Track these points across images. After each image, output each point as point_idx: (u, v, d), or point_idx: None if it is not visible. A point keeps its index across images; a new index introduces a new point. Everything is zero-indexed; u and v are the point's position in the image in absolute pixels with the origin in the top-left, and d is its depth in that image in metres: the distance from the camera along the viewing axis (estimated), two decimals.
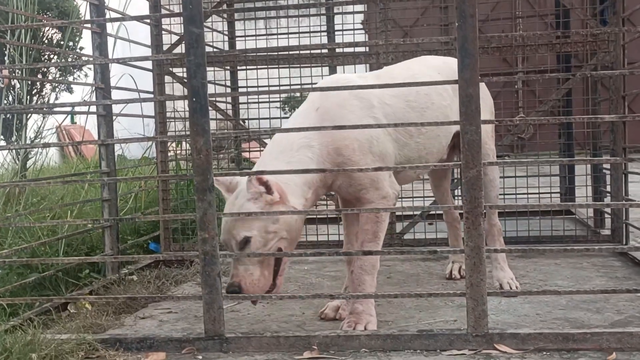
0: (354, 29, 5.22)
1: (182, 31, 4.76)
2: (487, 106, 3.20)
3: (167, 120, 4.46)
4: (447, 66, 3.11)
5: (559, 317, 2.87)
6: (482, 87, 3.04)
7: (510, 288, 3.24)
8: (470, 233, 2.43)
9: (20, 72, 4.39)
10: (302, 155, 2.68)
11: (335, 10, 5.53)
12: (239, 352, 2.56)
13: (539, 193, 4.88)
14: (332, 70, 4.74)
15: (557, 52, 4.52)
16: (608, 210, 4.43)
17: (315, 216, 5.23)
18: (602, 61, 4.07)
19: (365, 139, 2.70)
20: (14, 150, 4.89)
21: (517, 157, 6.56)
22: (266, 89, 5.11)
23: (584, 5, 4.49)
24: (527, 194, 4.81)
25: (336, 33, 5.43)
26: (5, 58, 5.70)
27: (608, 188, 4.34)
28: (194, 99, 2.53)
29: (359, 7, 5.85)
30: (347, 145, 2.69)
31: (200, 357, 2.54)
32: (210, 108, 2.67)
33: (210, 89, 2.86)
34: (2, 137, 5.24)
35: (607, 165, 4.41)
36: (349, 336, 2.54)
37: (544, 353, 2.40)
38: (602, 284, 3.41)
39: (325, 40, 5.33)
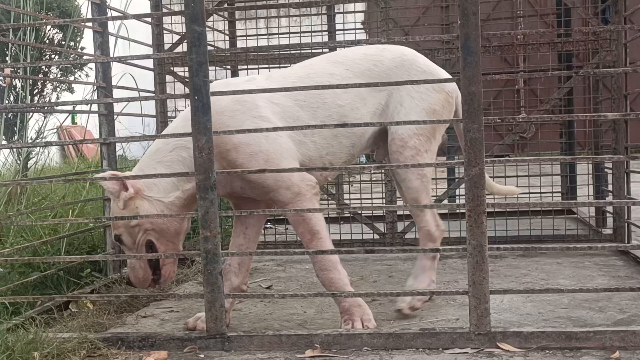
0: (355, 29, 5.22)
1: (183, 30, 4.79)
2: (422, 106, 2.91)
3: (168, 119, 4.46)
4: (361, 62, 2.92)
5: (561, 315, 2.86)
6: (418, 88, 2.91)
7: (409, 310, 2.95)
8: (473, 231, 2.43)
9: (22, 71, 4.39)
10: (176, 155, 2.75)
11: (336, 10, 5.53)
12: (241, 351, 2.56)
13: (540, 192, 4.88)
14: None
15: (558, 51, 4.52)
16: (610, 209, 4.42)
17: None
18: (603, 60, 4.07)
19: (253, 141, 2.67)
20: (15, 150, 4.89)
21: (519, 156, 6.55)
22: None
23: (586, 5, 4.48)
24: (529, 193, 4.81)
25: (337, 32, 5.43)
26: (7, 58, 5.70)
27: (609, 187, 4.33)
28: (196, 97, 2.53)
29: (360, 7, 5.85)
30: (228, 150, 2.68)
31: (202, 355, 2.53)
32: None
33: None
34: (3, 136, 5.23)
35: (609, 165, 4.41)
36: (351, 335, 2.53)
37: (547, 352, 2.39)
38: (605, 283, 3.40)
39: (326, 39, 5.33)
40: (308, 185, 2.73)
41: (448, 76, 3.01)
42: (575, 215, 5.22)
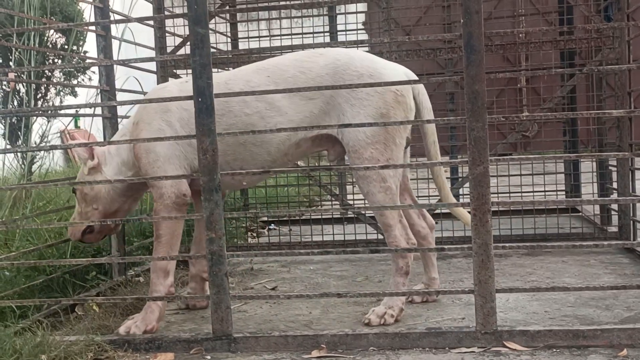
0: (357, 29, 5.22)
1: (185, 33, 4.79)
2: (367, 112, 2.78)
3: None
4: (287, 69, 2.86)
5: (568, 314, 2.86)
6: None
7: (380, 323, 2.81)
8: (478, 230, 2.43)
9: (27, 75, 4.40)
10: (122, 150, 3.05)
11: (338, 11, 5.53)
12: (247, 352, 2.56)
13: (544, 191, 4.87)
14: None
15: (561, 49, 4.51)
16: (615, 207, 4.41)
17: (320, 216, 5.24)
18: (606, 58, 4.06)
19: (153, 146, 2.88)
20: (19, 154, 4.90)
21: (520, 155, 6.55)
22: None
23: (588, 2, 4.47)
24: (533, 192, 4.81)
25: (339, 34, 5.43)
26: (11, 63, 5.72)
27: (614, 185, 4.33)
28: (200, 99, 2.53)
29: (362, 7, 5.85)
30: (136, 154, 2.94)
31: (208, 357, 2.54)
32: None
33: None
34: (7, 141, 5.25)
35: (613, 162, 4.40)
36: (357, 335, 2.53)
37: (554, 350, 2.39)
38: (611, 281, 3.39)
39: (328, 40, 5.33)
40: (174, 192, 2.88)
41: (397, 74, 2.88)
42: (580, 214, 5.21)
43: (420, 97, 2.96)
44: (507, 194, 4.86)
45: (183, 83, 3.05)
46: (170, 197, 2.87)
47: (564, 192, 5.23)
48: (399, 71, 2.93)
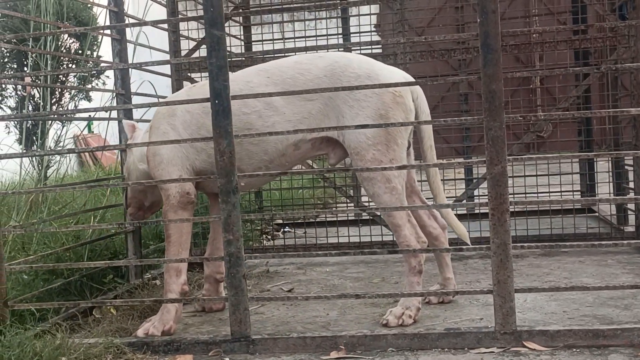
0: (370, 31, 5.22)
1: (198, 36, 4.80)
2: (365, 114, 2.79)
3: None
4: (286, 71, 2.89)
5: (586, 314, 2.84)
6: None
7: (398, 324, 2.79)
8: (496, 230, 2.42)
9: (43, 79, 4.44)
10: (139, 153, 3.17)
11: (350, 13, 5.54)
12: (266, 354, 2.56)
13: (560, 191, 4.85)
14: None
15: (575, 49, 4.49)
16: (631, 206, 4.38)
17: (335, 218, 5.24)
18: (622, 57, 4.04)
19: (158, 149, 2.96)
20: (35, 159, 4.93)
21: (536, 155, 6.51)
22: None
23: (602, 1, 4.45)
24: (549, 192, 4.78)
25: (352, 35, 5.43)
26: (25, 68, 5.76)
27: (630, 185, 4.30)
28: (217, 102, 2.54)
29: (375, 9, 5.85)
30: (147, 157, 3.02)
31: (227, 359, 2.54)
32: None
33: None
34: (23, 145, 5.29)
35: (629, 162, 4.37)
36: (376, 336, 2.53)
37: (574, 350, 2.38)
38: (629, 281, 3.37)
39: (341, 42, 5.33)
40: (179, 192, 2.93)
41: (395, 77, 2.87)
42: (596, 214, 5.18)
43: (418, 100, 2.97)
44: (523, 194, 4.84)
45: (192, 88, 3.15)
46: (175, 197, 2.93)
47: (579, 192, 5.20)
48: (397, 74, 2.95)
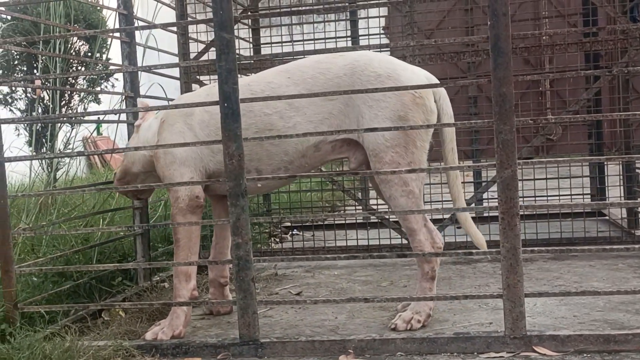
0: (379, 34, 5.21)
1: (207, 39, 4.81)
2: (384, 115, 2.77)
3: None
4: (306, 70, 2.88)
5: (597, 318, 2.82)
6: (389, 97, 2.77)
7: (407, 328, 2.78)
8: (507, 234, 2.41)
9: (53, 82, 4.45)
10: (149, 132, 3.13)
11: (359, 15, 5.53)
12: (274, 357, 2.56)
13: (570, 194, 4.82)
14: None
15: (586, 51, 4.46)
16: None
17: (344, 221, 5.23)
18: (633, 59, 4.01)
19: (171, 149, 2.90)
20: (44, 161, 4.95)
21: (545, 159, 6.50)
22: None
23: (613, 3, 4.42)
24: (559, 195, 4.76)
25: (361, 38, 5.42)
26: (35, 70, 5.78)
27: None
28: (226, 105, 2.54)
29: (383, 12, 5.84)
30: (156, 153, 2.98)
31: None
32: None
33: None
34: (32, 148, 5.30)
35: None
36: (385, 340, 2.52)
37: (585, 355, 2.36)
38: None
39: (349, 45, 5.33)
40: (188, 195, 2.90)
41: (417, 77, 2.83)
42: (607, 217, 5.15)
43: (441, 102, 2.91)
44: (533, 198, 4.82)
45: (211, 88, 3.08)
46: (184, 200, 2.90)
47: (589, 196, 5.17)
48: (419, 74, 2.89)
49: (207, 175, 2.95)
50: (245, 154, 2.84)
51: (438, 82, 2.90)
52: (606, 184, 5.04)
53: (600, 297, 3.07)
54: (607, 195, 5.16)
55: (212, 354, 2.61)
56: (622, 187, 4.64)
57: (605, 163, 5.10)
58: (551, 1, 7.51)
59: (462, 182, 3.07)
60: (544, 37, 4.03)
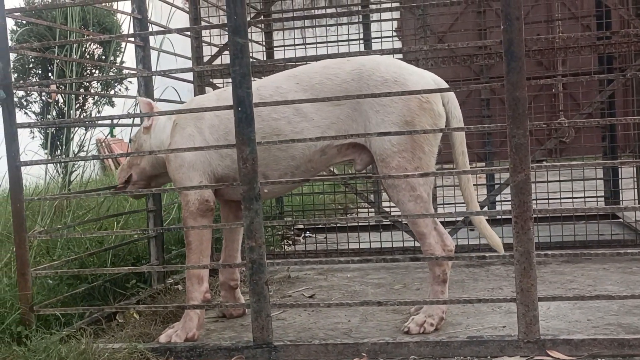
0: (392, 37, 5.22)
1: (221, 42, 4.83)
2: (391, 119, 2.76)
3: None
4: (314, 76, 2.88)
5: (611, 322, 2.81)
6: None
7: (420, 332, 2.79)
8: (520, 237, 2.41)
9: (68, 86, 4.49)
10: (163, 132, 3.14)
11: (372, 18, 5.53)
12: None
13: (584, 197, 4.80)
14: None
15: (600, 54, 4.45)
16: None
17: (356, 224, 5.23)
18: None
19: (180, 153, 2.92)
20: (58, 164, 4.98)
21: (558, 161, 6.47)
22: None
23: (627, 5, 4.40)
24: (572, 198, 4.74)
25: (373, 41, 5.43)
26: (50, 74, 5.83)
27: None
28: (240, 109, 2.55)
29: (396, 15, 5.84)
30: (167, 156, 2.99)
31: None
32: None
33: None
34: (47, 151, 5.34)
35: None
36: (398, 343, 2.53)
37: (599, 359, 2.35)
38: None
39: (362, 48, 5.33)
40: (197, 199, 2.92)
41: (424, 81, 2.82)
42: (620, 220, 5.12)
43: (449, 105, 2.90)
44: (546, 201, 4.80)
45: (222, 92, 3.10)
46: (194, 203, 2.92)
47: (603, 198, 5.15)
48: (427, 77, 2.87)
49: (216, 180, 2.98)
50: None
51: (447, 85, 2.90)
52: (620, 187, 5.02)
53: (614, 300, 3.06)
54: (621, 198, 5.13)
55: (226, 357, 2.62)
56: (636, 190, 4.61)
57: (619, 166, 5.08)
58: (564, 3, 7.48)
59: (474, 185, 3.06)
60: (557, 40, 4.01)
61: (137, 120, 3.91)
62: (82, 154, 4.91)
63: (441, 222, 4.62)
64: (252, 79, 2.66)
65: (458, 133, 2.95)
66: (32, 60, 6.07)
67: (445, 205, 4.80)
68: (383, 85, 2.76)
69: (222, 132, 2.93)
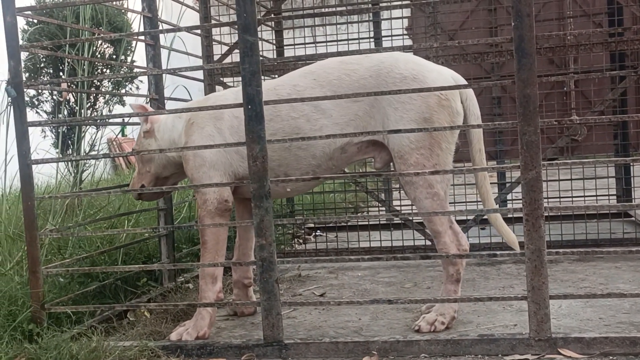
0: (403, 35, 5.20)
1: (231, 41, 4.83)
2: (409, 117, 2.75)
3: None
4: (332, 72, 2.87)
5: (623, 321, 2.79)
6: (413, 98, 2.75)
7: (430, 330, 2.78)
8: (531, 236, 2.39)
9: (79, 85, 4.51)
10: (175, 130, 3.14)
11: (382, 16, 5.52)
12: (298, 358, 2.57)
13: (595, 195, 4.78)
14: None
15: (611, 51, 4.42)
16: None
17: (367, 222, 5.23)
18: None
19: (200, 151, 2.91)
20: (70, 163, 5.01)
21: (570, 159, 6.43)
22: None
23: (639, 2, 4.36)
24: (584, 196, 4.71)
25: (383, 39, 5.42)
26: (61, 73, 5.85)
27: None
28: (250, 107, 2.55)
29: (406, 13, 5.83)
30: (185, 155, 2.98)
31: None
32: None
33: None
34: (58, 150, 5.37)
35: None
36: (409, 341, 2.52)
37: (611, 358, 2.34)
38: None
39: (372, 47, 5.33)
40: (216, 198, 2.90)
41: (443, 77, 2.81)
42: (633, 218, 5.09)
43: (467, 102, 2.89)
44: (558, 199, 4.78)
45: (239, 91, 3.08)
46: (212, 203, 2.90)
47: (615, 196, 5.12)
48: (445, 74, 2.86)
49: (237, 180, 2.96)
50: (274, 159, 2.85)
51: (465, 82, 2.88)
52: (632, 185, 4.98)
53: (626, 299, 3.04)
54: (633, 196, 5.10)
55: (237, 355, 2.62)
56: None
57: (631, 164, 5.04)
58: (576, 0, 7.44)
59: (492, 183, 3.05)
60: (568, 37, 3.99)
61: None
62: (93, 153, 4.92)
63: None
64: (263, 77, 2.66)
65: (475, 130, 2.94)
66: (44, 59, 6.10)
67: (456, 204, 4.78)
68: (402, 82, 2.75)
69: (242, 134, 2.86)
